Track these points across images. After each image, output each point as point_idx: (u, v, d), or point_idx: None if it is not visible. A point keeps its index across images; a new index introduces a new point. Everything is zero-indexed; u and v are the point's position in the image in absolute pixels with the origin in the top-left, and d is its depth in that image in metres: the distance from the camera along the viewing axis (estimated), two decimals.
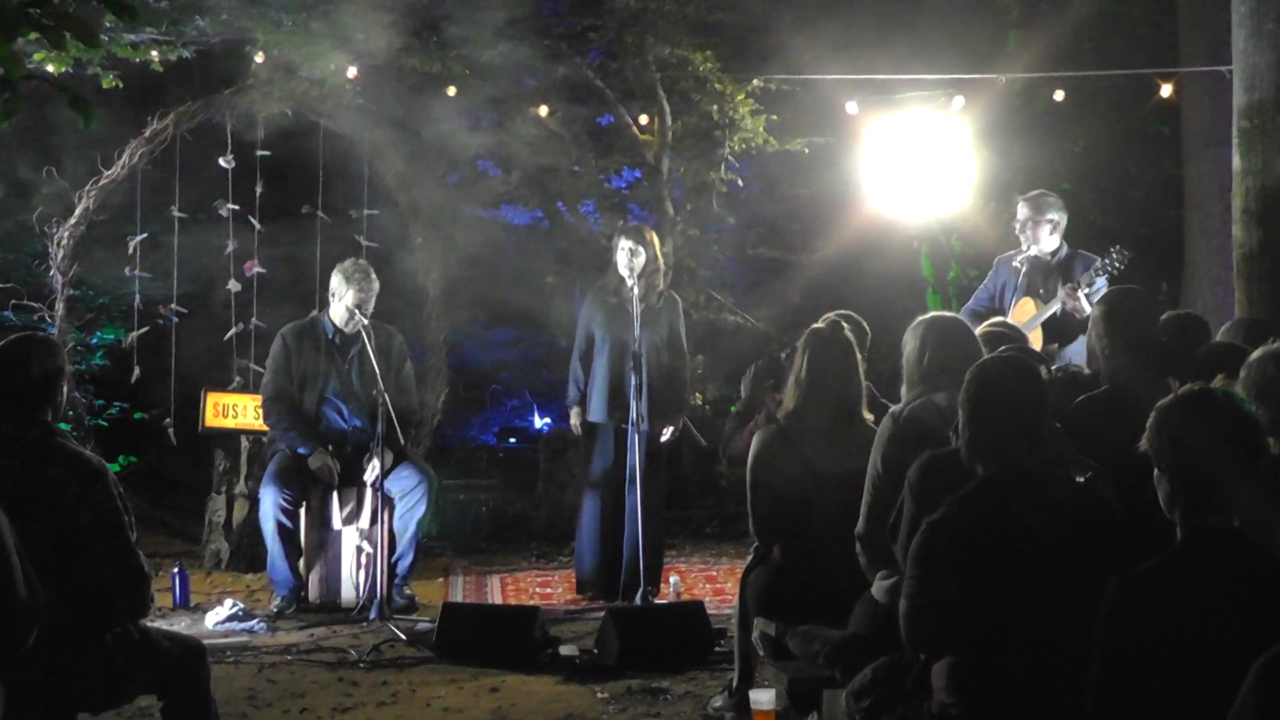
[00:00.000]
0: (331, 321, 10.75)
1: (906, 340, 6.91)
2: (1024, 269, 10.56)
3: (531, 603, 10.84)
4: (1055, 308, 10.24)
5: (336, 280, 10.74)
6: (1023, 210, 10.69)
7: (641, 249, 10.68)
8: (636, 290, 10.57)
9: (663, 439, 10.96)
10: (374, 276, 10.75)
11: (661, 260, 10.96)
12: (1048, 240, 10.59)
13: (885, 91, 13.73)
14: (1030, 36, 15.33)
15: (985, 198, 14.30)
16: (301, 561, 10.58)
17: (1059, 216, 10.63)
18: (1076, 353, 9.83)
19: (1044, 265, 10.59)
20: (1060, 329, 10.28)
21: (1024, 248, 10.62)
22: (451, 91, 13.99)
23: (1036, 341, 10.16)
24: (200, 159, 13.15)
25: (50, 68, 10.76)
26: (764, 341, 14.70)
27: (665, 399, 10.88)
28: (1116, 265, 10.01)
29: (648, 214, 15.88)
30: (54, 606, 5.53)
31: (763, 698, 7.11)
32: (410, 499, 10.52)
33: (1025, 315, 10.35)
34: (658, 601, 10.55)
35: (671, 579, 11.22)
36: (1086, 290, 10.08)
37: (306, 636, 9.84)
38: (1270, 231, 9.12)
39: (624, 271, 10.66)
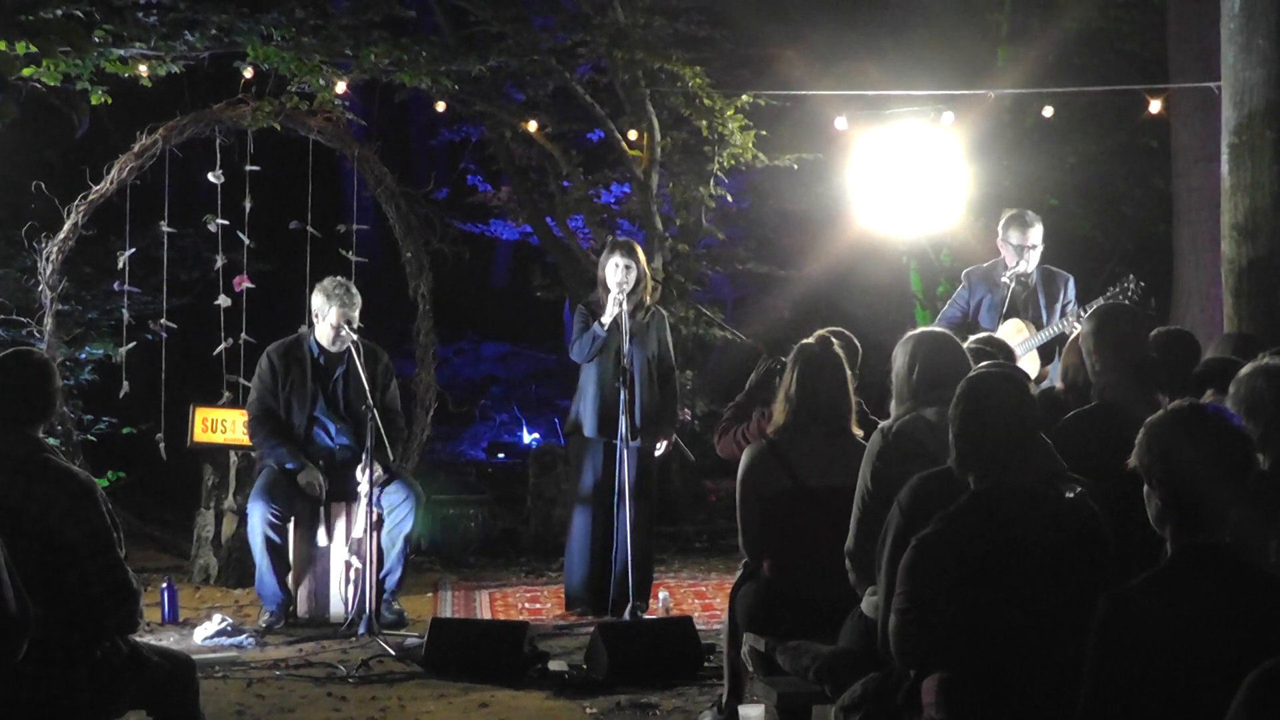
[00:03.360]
0: (317, 341, 10.72)
1: (896, 355, 6.91)
2: (1012, 285, 10.54)
3: (520, 618, 10.84)
4: (1053, 333, 10.22)
5: (318, 300, 10.70)
6: (1015, 235, 10.60)
7: (634, 264, 10.68)
8: (626, 306, 10.56)
9: (656, 453, 10.99)
10: (354, 290, 10.73)
11: (649, 275, 10.97)
12: (1033, 263, 10.60)
13: (875, 107, 13.75)
14: (1020, 52, 15.37)
15: (975, 213, 14.31)
16: (290, 576, 10.56)
17: (1042, 240, 10.64)
18: None
19: (1021, 285, 10.59)
20: (1054, 351, 10.27)
21: (1012, 265, 10.58)
22: (441, 106, 14.00)
23: (1033, 365, 10.16)
24: (189, 174, 13.15)
25: (40, 84, 10.77)
26: (754, 357, 14.73)
27: (658, 413, 10.91)
28: (1129, 295, 9.97)
29: (637, 229, 15.91)
30: (43, 622, 5.52)
31: (752, 713, 7.10)
32: (398, 514, 10.50)
33: (1014, 337, 10.32)
34: (647, 617, 10.53)
35: (660, 594, 11.21)
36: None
37: (295, 651, 9.81)
38: (1259, 247, 9.14)
39: (614, 287, 10.64)
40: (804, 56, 15.66)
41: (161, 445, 12.74)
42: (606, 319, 10.61)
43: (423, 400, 13.26)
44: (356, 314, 10.62)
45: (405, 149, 24.52)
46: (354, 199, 13.47)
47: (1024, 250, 10.55)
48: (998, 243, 10.78)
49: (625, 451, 10.53)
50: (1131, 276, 10.10)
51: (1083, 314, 9.72)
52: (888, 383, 7.00)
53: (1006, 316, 10.47)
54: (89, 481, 6.00)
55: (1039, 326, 10.43)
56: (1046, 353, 10.32)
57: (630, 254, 10.75)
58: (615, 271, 10.66)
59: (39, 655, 5.62)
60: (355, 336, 10.47)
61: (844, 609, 6.68)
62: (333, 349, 10.67)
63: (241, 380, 12.45)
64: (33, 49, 7.73)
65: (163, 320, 12.85)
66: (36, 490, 5.84)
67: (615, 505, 10.62)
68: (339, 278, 10.83)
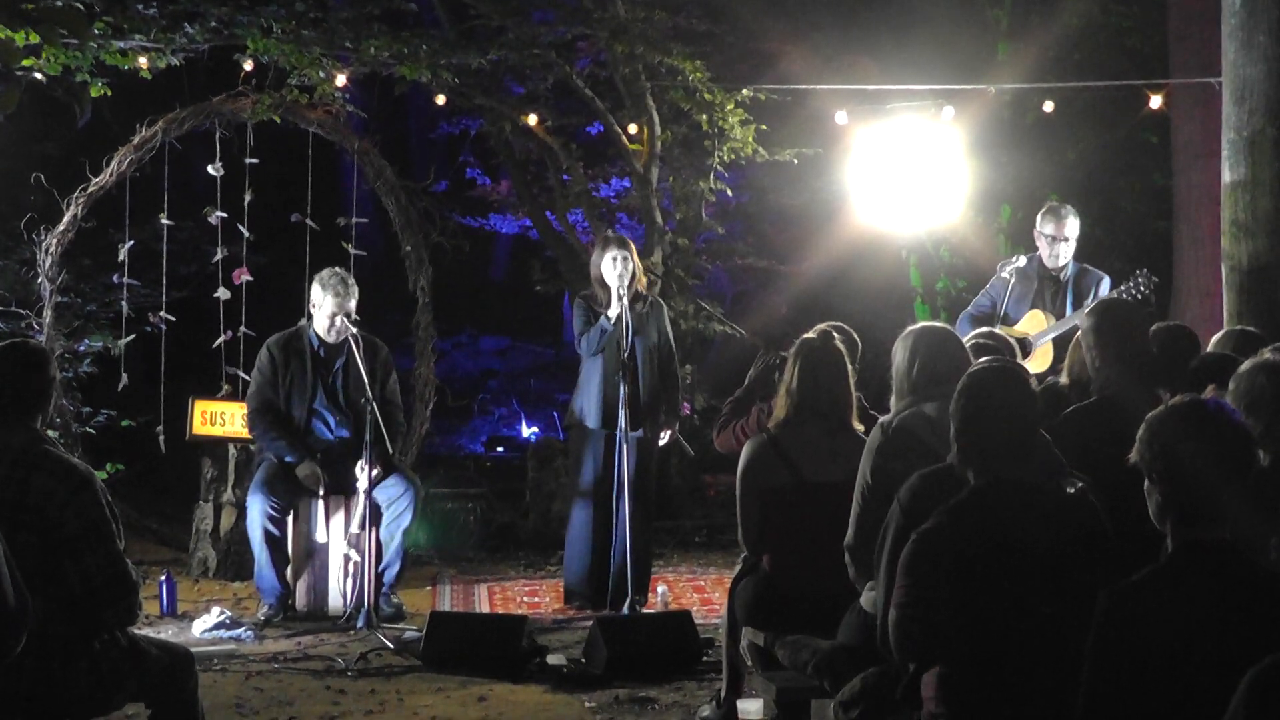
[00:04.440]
0: (316, 334, 10.73)
1: (896, 351, 6.90)
2: (1013, 280, 10.51)
3: (519, 612, 10.82)
4: (1072, 325, 10.20)
5: (315, 291, 10.72)
6: (1050, 226, 10.58)
7: (630, 258, 10.70)
8: (626, 300, 10.56)
9: (660, 442, 11.03)
10: (351, 282, 10.73)
11: (640, 267, 10.96)
12: (1065, 256, 10.57)
13: (875, 102, 13.73)
14: (1020, 47, 15.37)
15: (975, 209, 14.31)
16: (289, 570, 10.56)
17: (1076, 233, 10.62)
18: None
19: (1053, 279, 10.58)
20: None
21: (1044, 257, 10.56)
22: (441, 100, 13.99)
23: (1048, 355, 10.15)
24: (189, 167, 13.14)
25: (40, 76, 10.76)
26: (753, 352, 14.73)
27: (665, 400, 10.94)
28: (1143, 289, 9.94)
29: (636, 223, 15.90)
30: (42, 614, 5.52)
31: (751, 708, 7.11)
32: (397, 508, 10.50)
33: (1036, 327, 10.33)
34: (645, 611, 10.52)
35: (659, 589, 11.20)
36: None
37: (294, 645, 9.82)
38: (1259, 243, 9.13)
39: (613, 282, 10.63)
40: (804, 51, 15.67)
41: (160, 438, 12.74)
42: (613, 313, 10.61)
43: (421, 394, 13.26)
44: (353, 305, 10.62)
45: (405, 142, 24.54)
46: (353, 192, 13.47)
47: (1056, 242, 10.54)
48: (1034, 234, 10.77)
49: (625, 445, 10.53)
50: (1144, 270, 10.06)
51: None
52: (888, 378, 7.00)
53: (1031, 308, 10.48)
54: (87, 473, 6.00)
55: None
56: (1060, 345, 10.29)
57: (625, 247, 10.78)
58: (615, 266, 10.65)
59: (38, 648, 5.61)
60: (354, 330, 10.45)
61: (843, 604, 6.68)
62: (330, 340, 10.67)
63: (241, 373, 12.45)
64: (33, 39, 7.72)
65: (162, 313, 12.86)
66: (35, 482, 5.84)
67: (615, 499, 10.62)
68: (337, 269, 10.83)
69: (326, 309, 10.60)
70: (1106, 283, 10.57)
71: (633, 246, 10.91)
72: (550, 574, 12.37)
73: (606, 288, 10.72)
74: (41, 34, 6.29)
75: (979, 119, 14.10)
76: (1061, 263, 10.58)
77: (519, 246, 24.21)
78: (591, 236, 15.80)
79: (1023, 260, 10.73)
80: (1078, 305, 10.42)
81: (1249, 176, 9.16)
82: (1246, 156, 9.17)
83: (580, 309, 10.94)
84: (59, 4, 8.19)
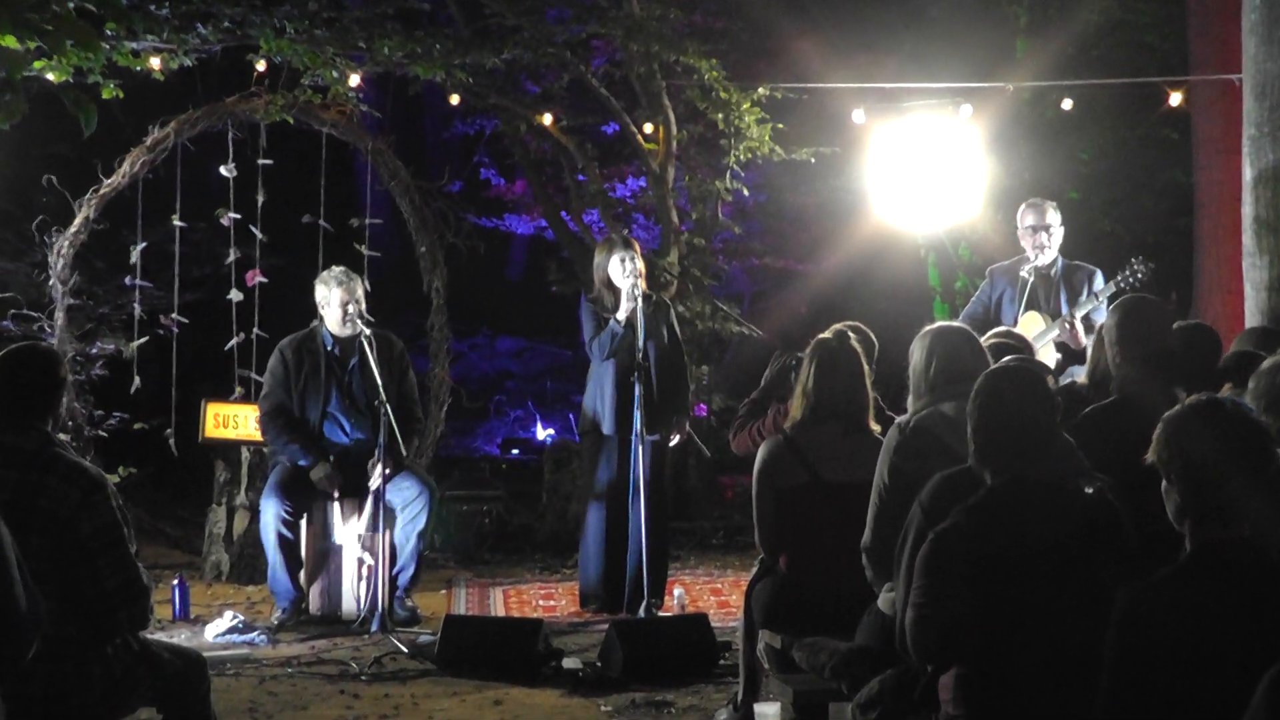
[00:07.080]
0: (330, 333, 10.70)
1: (913, 350, 6.89)
2: (1031, 279, 10.45)
3: (535, 615, 10.80)
4: (1056, 333, 10.15)
5: (320, 292, 10.73)
6: (1030, 216, 10.56)
7: (638, 259, 10.64)
8: (641, 303, 10.50)
9: (671, 443, 10.99)
10: (353, 273, 10.76)
11: (643, 268, 10.91)
12: (1051, 248, 10.50)
13: (892, 100, 13.69)
14: (1038, 44, 15.32)
15: (993, 206, 14.25)
16: (303, 573, 10.53)
17: (1059, 225, 10.56)
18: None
19: (1045, 277, 10.50)
20: (1069, 349, 10.20)
21: (1031, 256, 10.50)
22: (455, 99, 13.95)
23: (1049, 358, 10.07)
24: (202, 168, 13.11)
25: (51, 77, 10.72)
26: (770, 352, 14.68)
27: (675, 401, 10.89)
28: (1139, 277, 9.86)
29: (652, 223, 15.87)
30: (54, 618, 5.50)
31: (768, 711, 7.05)
32: (411, 510, 10.47)
33: (1032, 329, 10.24)
34: (662, 614, 10.49)
35: (676, 591, 11.17)
36: (1082, 313, 10.02)
37: (308, 649, 9.79)
38: None
39: (624, 284, 10.56)
40: (821, 49, 15.64)
41: (172, 441, 12.71)
42: (622, 315, 10.55)
43: (437, 395, 13.22)
44: (360, 292, 10.66)
45: (419, 142, 24.54)
46: (368, 193, 13.42)
47: (1038, 231, 10.46)
48: (1018, 234, 10.71)
49: (640, 447, 10.48)
50: (1140, 258, 10.00)
51: (1072, 320, 9.75)
52: (905, 378, 6.96)
53: (1026, 309, 10.38)
54: (99, 476, 5.98)
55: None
56: (1061, 346, 10.24)
57: (631, 247, 10.74)
58: (624, 267, 10.59)
59: (50, 652, 5.62)
60: (368, 330, 10.43)
61: (861, 605, 6.66)
62: (345, 333, 10.64)
63: (254, 375, 12.42)
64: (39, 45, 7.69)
65: (174, 315, 12.83)
66: (47, 485, 5.81)
67: (630, 502, 10.58)
68: (335, 266, 10.86)
69: (336, 301, 10.60)
70: (1099, 276, 10.47)
71: (638, 246, 10.86)
72: (566, 577, 12.34)
73: (612, 289, 10.68)
74: (50, 45, 6.22)
75: (998, 117, 14.06)
76: (1048, 257, 10.49)
77: (535, 247, 24.19)
78: None
79: (1016, 262, 10.68)
80: (1072, 301, 10.36)
81: (1270, 172, 9.10)
82: (1267, 152, 9.12)
83: (589, 314, 10.86)
84: (71, 5, 8.16)
